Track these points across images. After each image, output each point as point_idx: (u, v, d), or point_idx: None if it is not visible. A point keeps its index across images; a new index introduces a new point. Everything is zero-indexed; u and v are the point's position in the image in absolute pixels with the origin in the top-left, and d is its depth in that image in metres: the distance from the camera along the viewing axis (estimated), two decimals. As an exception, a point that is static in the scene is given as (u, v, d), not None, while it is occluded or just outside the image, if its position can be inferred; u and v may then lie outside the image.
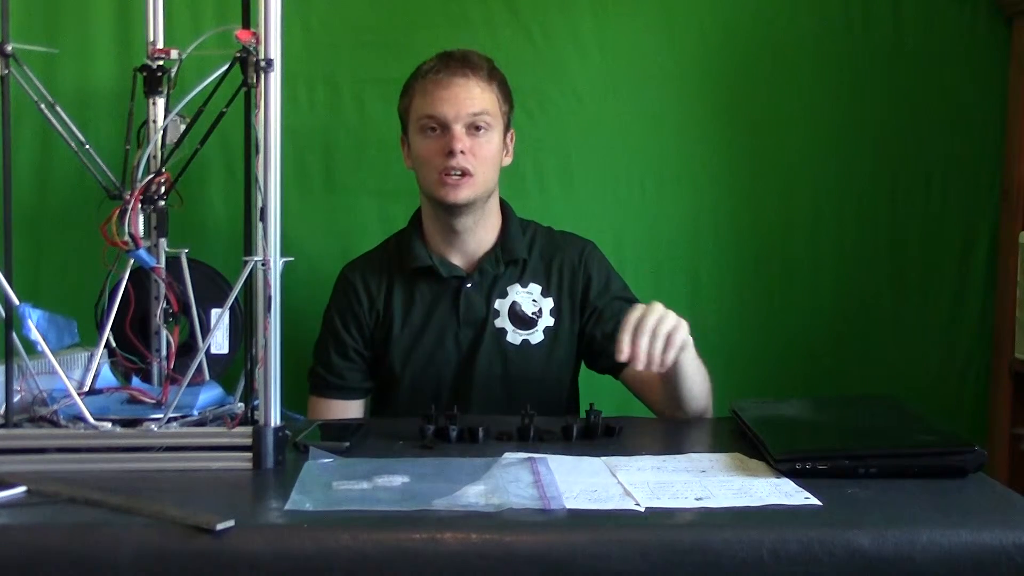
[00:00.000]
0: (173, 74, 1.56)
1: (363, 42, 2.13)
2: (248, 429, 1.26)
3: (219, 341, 1.67)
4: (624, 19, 2.15)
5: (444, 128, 1.74)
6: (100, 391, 1.44)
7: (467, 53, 1.78)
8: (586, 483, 1.18)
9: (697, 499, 1.13)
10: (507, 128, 1.83)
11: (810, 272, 2.20)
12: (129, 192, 1.41)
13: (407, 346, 1.82)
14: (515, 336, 1.82)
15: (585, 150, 2.17)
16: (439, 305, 1.83)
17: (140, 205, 1.43)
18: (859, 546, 1.02)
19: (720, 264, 2.18)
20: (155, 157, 1.51)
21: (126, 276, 1.46)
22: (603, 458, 1.30)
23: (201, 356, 1.42)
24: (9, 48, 1.29)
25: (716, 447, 1.40)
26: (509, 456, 1.29)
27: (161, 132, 1.51)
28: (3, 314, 1.29)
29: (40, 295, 1.96)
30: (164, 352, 1.55)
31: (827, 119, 2.18)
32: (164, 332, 1.55)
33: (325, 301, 1.89)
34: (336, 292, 1.88)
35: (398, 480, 1.19)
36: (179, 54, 1.56)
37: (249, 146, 1.29)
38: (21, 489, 1.14)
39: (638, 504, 1.11)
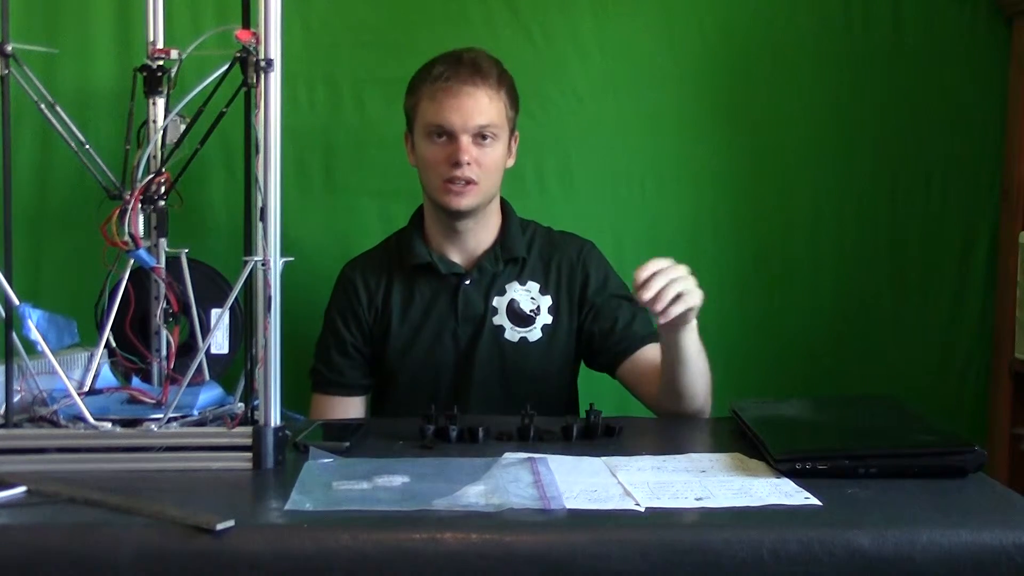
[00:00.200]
0: (173, 74, 1.56)
1: (363, 42, 2.13)
2: (248, 429, 1.26)
3: (219, 341, 1.67)
4: (624, 19, 2.16)
5: (451, 136, 1.74)
6: (100, 391, 1.44)
7: (477, 58, 1.77)
8: (586, 483, 1.18)
9: (697, 499, 1.13)
10: (512, 131, 1.83)
11: (810, 272, 2.20)
12: (129, 192, 1.41)
13: (405, 342, 1.83)
14: (513, 333, 1.82)
15: (585, 150, 2.17)
16: (438, 302, 1.83)
17: (140, 205, 1.43)
18: (859, 546, 1.02)
19: (720, 264, 2.18)
20: (155, 157, 1.51)
21: (126, 276, 1.46)
22: (603, 458, 1.30)
23: (201, 356, 1.42)
24: (9, 48, 1.29)
25: (716, 447, 1.40)
26: (509, 456, 1.29)
27: (161, 132, 1.51)
28: (3, 314, 1.29)
29: (40, 295, 1.98)
30: (164, 352, 1.55)
31: (827, 119, 2.18)
32: (164, 332, 1.55)
33: (325, 301, 1.90)
34: (336, 290, 1.89)
35: (398, 480, 1.19)
36: (179, 54, 1.56)
37: (249, 146, 1.29)
38: (21, 489, 1.14)
39: (638, 504, 1.11)
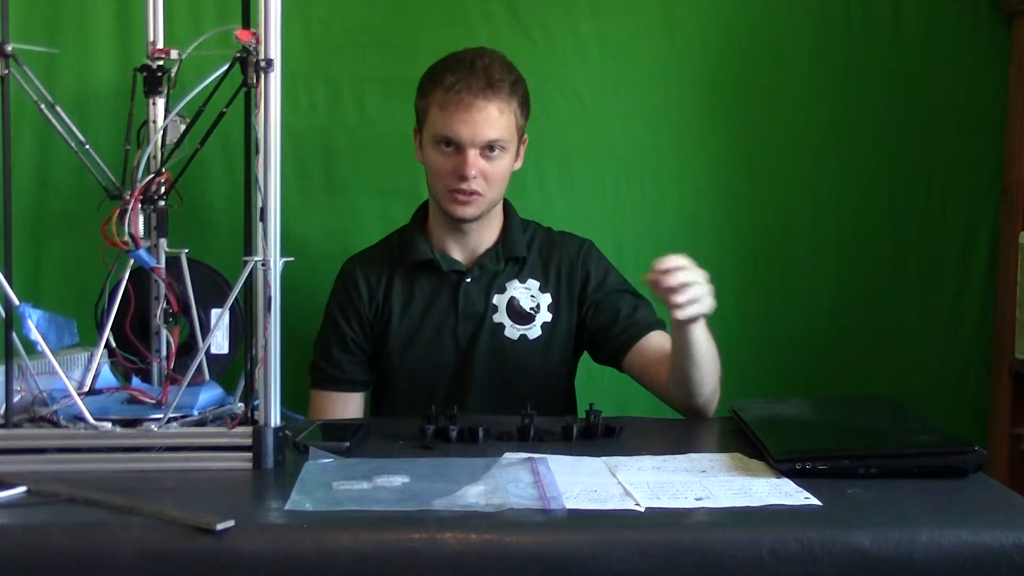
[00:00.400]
0: (173, 74, 1.56)
1: (363, 42, 2.13)
2: (248, 429, 1.26)
3: (219, 341, 1.67)
4: (624, 19, 2.16)
5: (459, 148, 1.74)
6: (100, 391, 1.44)
7: (490, 66, 1.74)
8: (586, 483, 1.18)
9: (697, 499, 1.13)
10: (521, 137, 1.83)
11: (810, 272, 2.20)
12: (129, 192, 1.41)
13: (405, 339, 1.83)
14: (513, 331, 1.82)
15: (585, 150, 2.17)
16: (438, 299, 1.84)
17: (140, 205, 1.43)
18: (859, 546, 1.02)
19: (720, 264, 2.17)
20: (155, 157, 1.51)
21: (126, 276, 1.46)
22: (603, 458, 1.30)
23: (201, 356, 1.42)
24: (9, 48, 1.29)
25: (716, 447, 1.40)
26: (509, 456, 1.29)
27: (161, 132, 1.51)
28: (3, 314, 1.29)
29: (40, 295, 1.98)
30: (164, 352, 1.55)
31: (827, 119, 2.18)
32: (164, 332, 1.55)
33: (325, 301, 1.90)
34: (337, 285, 1.89)
35: (398, 480, 1.19)
36: (179, 54, 1.56)
37: (249, 146, 1.29)
38: (21, 489, 1.14)
39: (638, 504, 1.11)
